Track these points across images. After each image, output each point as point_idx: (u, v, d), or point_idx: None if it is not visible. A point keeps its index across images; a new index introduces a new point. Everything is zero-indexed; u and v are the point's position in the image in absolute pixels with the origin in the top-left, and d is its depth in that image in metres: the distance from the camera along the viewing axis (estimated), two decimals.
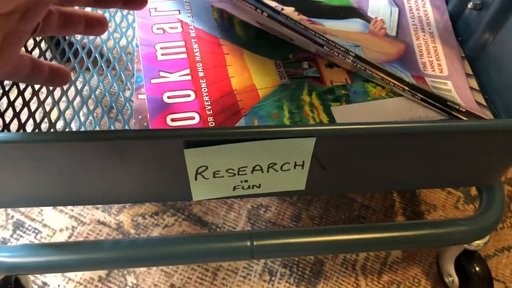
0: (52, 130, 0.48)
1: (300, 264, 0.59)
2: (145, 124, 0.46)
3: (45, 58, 0.55)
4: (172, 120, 0.44)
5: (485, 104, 0.48)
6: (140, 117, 0.46)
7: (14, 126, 0.49)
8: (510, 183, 0.68)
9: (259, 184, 0.40)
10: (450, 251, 0.56)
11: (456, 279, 0.56)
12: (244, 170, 0.38)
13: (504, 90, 0.48)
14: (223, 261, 0.57)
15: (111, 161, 0.35)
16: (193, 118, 0.44)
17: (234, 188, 0.40)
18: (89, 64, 0.55)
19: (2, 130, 0.48)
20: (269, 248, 0.46)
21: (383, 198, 0.65)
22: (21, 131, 0.47)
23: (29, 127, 0.53)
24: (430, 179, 0.46)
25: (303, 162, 0.38)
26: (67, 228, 0.59)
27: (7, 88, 0.50)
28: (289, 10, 0.51)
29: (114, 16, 0.60)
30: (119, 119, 0.56)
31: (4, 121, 0.48)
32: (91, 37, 0.58)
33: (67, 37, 0.59)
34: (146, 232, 0.59)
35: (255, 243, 0.45)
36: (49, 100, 0.51)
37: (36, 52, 0.56)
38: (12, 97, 0.49)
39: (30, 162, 0.35)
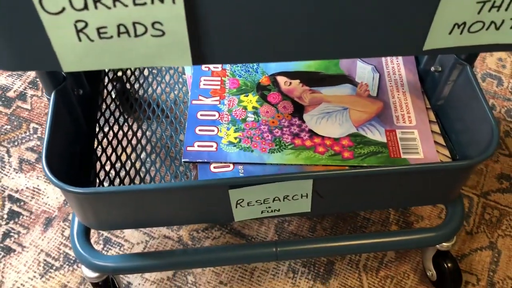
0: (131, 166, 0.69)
1: (316, 264, 0.78)
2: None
3: (120, 110, 0.75)
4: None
5: (444, 144, 0.66)
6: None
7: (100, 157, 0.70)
8: (484, 196, 0.85)
9: (279, 209, 0.60)
10: (428, 252, 0.73)
11: (434, 273, 0.73)
12: (268, 200, 0.57)
13: (459, 131, 0.66)
14: (256, 262, 0.77)
15: (182, 198, 0.56)
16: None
17: (262, 212, 0.60)
18: (150, 113, 0.76)
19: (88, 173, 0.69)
20: (289, 252, 0.65)
21: (380, 211, 0.83)
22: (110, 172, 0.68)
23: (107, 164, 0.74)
24: (404, 200, 0.64)
25: (307, 194, 0.57)
26: (142, 242, 0.79)
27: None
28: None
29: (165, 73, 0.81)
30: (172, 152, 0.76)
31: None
32: (150, 93, 0.78)
33: (133, 94, 0.79)
34: (199, 243, 0.79)
35: (278, 249, 0.64)
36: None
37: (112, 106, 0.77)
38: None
39: (127, 202, 0.56)
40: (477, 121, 0.60)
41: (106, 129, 0.70)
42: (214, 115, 0.69)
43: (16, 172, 0.87)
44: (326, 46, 0.38)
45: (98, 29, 0.33)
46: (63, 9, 0.32)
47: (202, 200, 0.56)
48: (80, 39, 0.34)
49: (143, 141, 0.70)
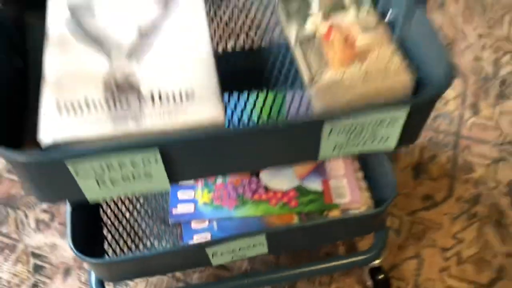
0: None
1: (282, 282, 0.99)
2: None
3: None
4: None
5: (366, 187, 0.88)
6: None
7: None
8: (412, 215, 1.06)
9: (245, 254, 0.80)
10: (365, 267, 0.95)
11: (371, 283, 0.95)
12: (235, 250, 0.78)
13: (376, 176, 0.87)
14: None
15: (172, 257, 0.76)
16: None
17: (232, 257, 0.80)
18: None
19: None
20: (257, 282, 0.86)
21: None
22: None
23: None
24: (341, 237, 0.85)
25: (263, 243, 0.78)
26: (143, 280, 1.00)
27: None
28: None
29: None
30: None
31: None
32: None
33: None
34: (189, 276, 0.99)
35: (249, 280, 0.85)
36: None
37: None
38: None
39: (134, 264, 0.76)
40: None
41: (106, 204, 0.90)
42: (190, 181, 0.89)
43: (35, 232, 1.06)
44: None
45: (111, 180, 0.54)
46: (91, 175, 0.52)
47: (188, 257, 0.77)
48: (100, 187, 0.54)
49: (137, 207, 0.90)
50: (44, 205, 1.10)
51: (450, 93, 1.23)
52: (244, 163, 0.58)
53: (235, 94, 0.85)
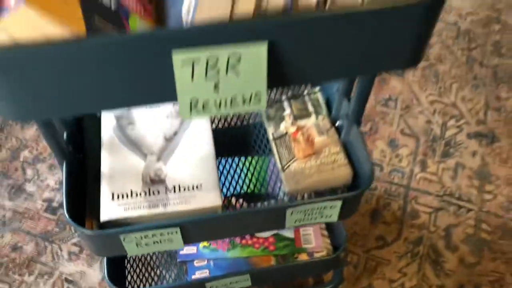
0: None
1: None
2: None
3: None
4: None
5: (327, 235, 1.15)
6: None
7: None
8: (367, 252, 1.34)
9: (234, 286, 1.08)
10: None
11: None
12: (226, 283, 1.05)
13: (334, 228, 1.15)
14: None
15: None
16: None
17: None
18: None
19: None
20: None
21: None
22: None
23: None
24: (306, 275, 1.13)
25: (247, 279, 1.05)
26: None
27: None
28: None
29: None
30: None
31: None
32: None
33: None
34: None
35: None
36: None
37: None
38: None
39: None
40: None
41: None
42: None
43: (67, 261, 1.33)
44: None
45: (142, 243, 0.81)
46: (133, 241, 0.80)
47: None
48: (137, 247, 0.82)
49: None
50: (75, 239, 1.37)
51: (404, 150, 1.51)
52: (235, 231, 0.85)
53: (229, 159, 1.13)
